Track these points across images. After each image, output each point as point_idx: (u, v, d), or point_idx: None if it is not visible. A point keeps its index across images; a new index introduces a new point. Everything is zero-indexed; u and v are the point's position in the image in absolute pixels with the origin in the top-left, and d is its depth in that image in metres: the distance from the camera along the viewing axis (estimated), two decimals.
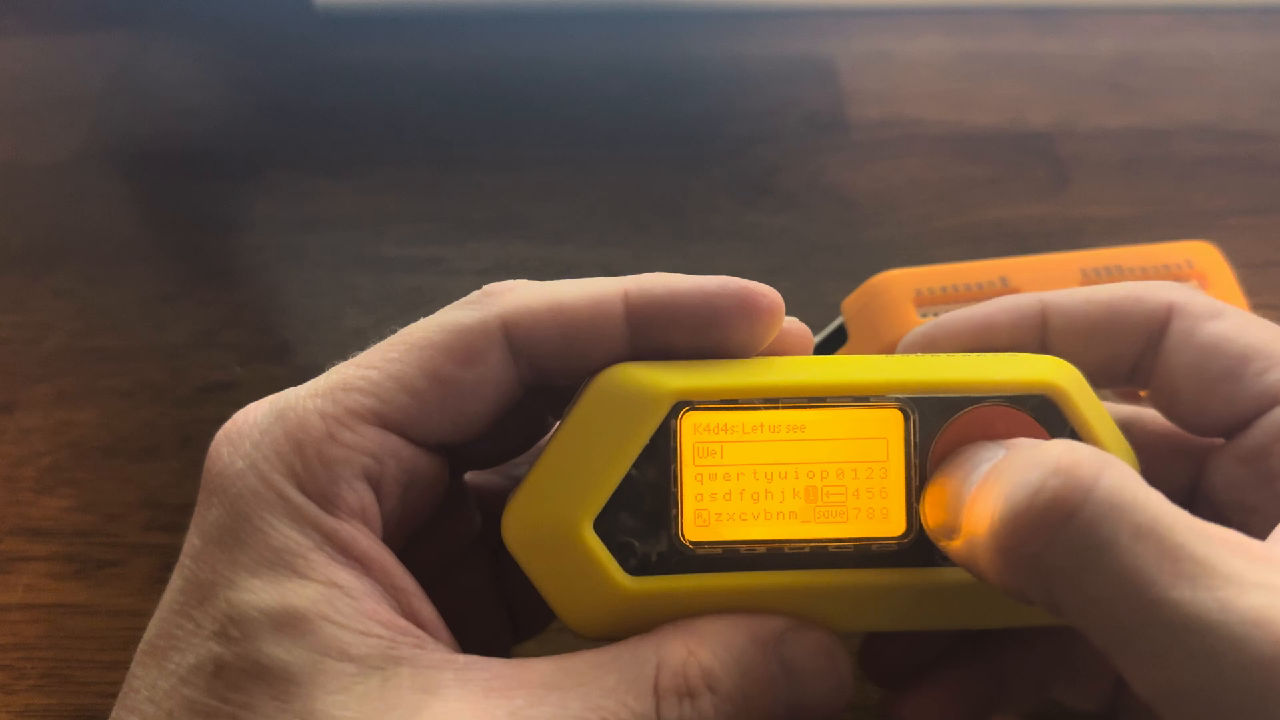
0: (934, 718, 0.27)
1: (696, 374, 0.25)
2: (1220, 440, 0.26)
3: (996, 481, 0.21)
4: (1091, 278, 0.37)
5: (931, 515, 0.24)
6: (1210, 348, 0.26)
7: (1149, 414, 0.28)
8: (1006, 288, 0.36)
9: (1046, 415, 0.25)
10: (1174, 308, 0.27)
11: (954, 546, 0.23)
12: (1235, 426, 0.26)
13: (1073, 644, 0.28)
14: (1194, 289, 0.27)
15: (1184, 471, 0.27)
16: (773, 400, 0.25)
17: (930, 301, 0.36)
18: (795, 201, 0.52)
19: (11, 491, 0.42)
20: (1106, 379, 0.27)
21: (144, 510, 0.42)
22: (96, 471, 0.43)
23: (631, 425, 0.24)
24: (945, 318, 0.28)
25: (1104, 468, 0.20)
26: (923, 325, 0.29)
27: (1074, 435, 0.25)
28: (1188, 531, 0.20)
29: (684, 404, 0.24)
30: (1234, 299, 0.36)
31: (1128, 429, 0.26)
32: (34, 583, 0.40)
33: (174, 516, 0.42)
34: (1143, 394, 0.28)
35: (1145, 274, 0.37)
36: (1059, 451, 0.20)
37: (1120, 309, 0.27)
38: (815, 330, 0.35)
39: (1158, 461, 0.27)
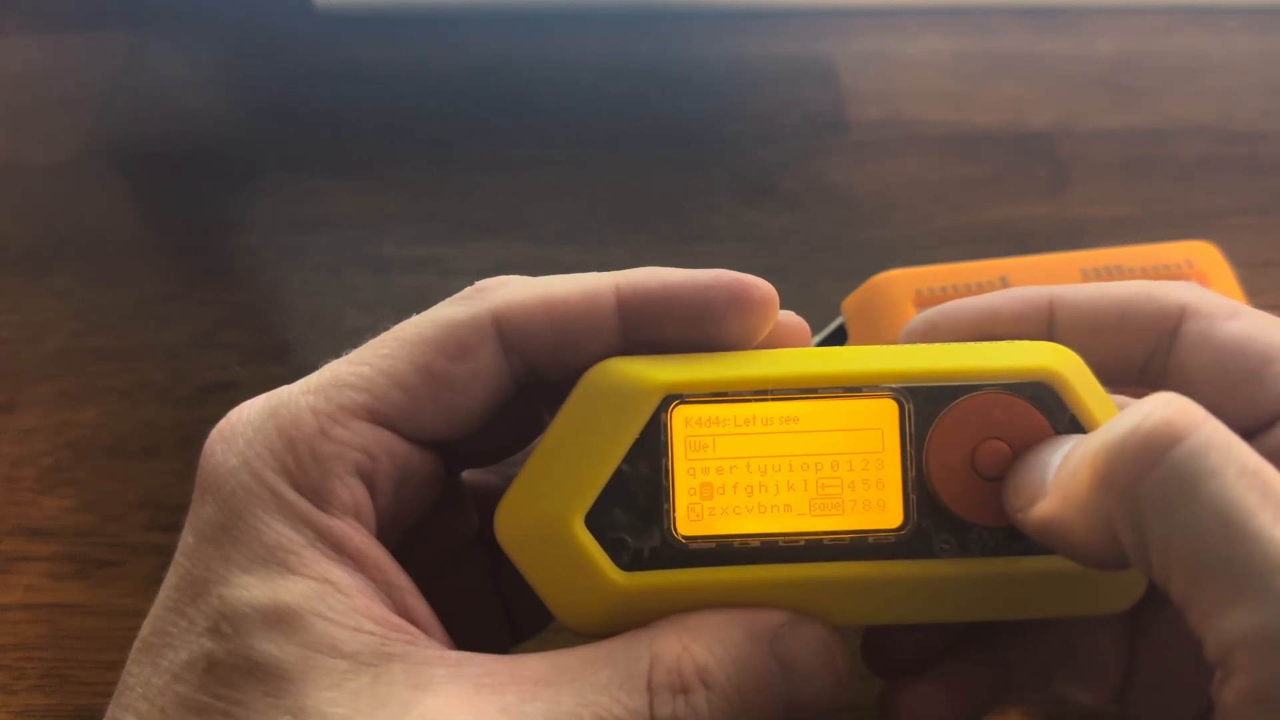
0: (935, 709, 0.27)
1: (686, 367, 0.25)
2: None
3: (1097, 434, 0.21)
4: (1091, 278, 0.37)
5: (1014, 489, 0.24)
6: (1229, 348, 0.25)
7: None
8: (1006, 288, 0.36)
9: (1046, 402, 0.25)
10: (1188, 308, 0.26)
11: (1036, 512, 0.23)
12: (1256, 428, 0.25)
13: (1077, 635, 0.28)
14: (1206, 290, 0.27)
15: None
16: (764, 392, 0.25)
17: (930, 301, 0.36)
18: (795, 201, 0.52)
19: (11, 491, 0.42)
20: (1115, 378, 0.27)
21: (144, 510, 0.42)
22: (96, 471, 0.43)
23: (621, 419, 0.24)
24: (949, 305, 0.28)
25: (1211, 416, 0.20)
26: (925, 312, 0.29)
27: (1074, 422, 0.25)
28: None
29: (674, 397, 0.24)
30: (1234, 299, 0.36)
31: None
32: (34, 583, 0.40)
33: (174, 516, 0.42)
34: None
35: (1145, 274, 0.37)
36: (1169, 395, 0.21)
37: (1132, 306, 0.27)
38: (815, 330, 0.35)
39: None
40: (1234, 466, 0.19)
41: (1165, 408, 0.20)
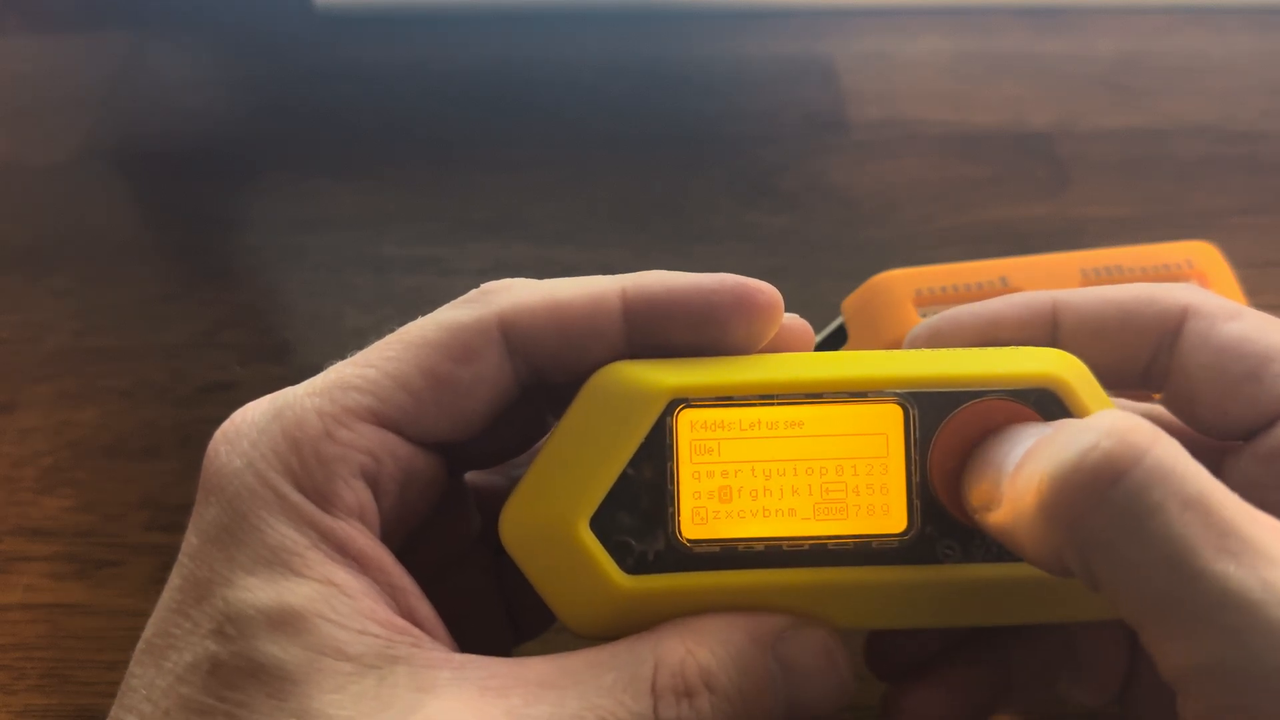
0: (937, 711, 0.27)
1: (692, 371, 0.25)
2: (1239, 442, 0.26)
3: (1047, 447, 0.21)
4: (1091, 278, 0.37)
5: (971, 489, 0.24)
6: (1230, 349, 0.25)
7: (1160, 411, 0.28)
8: (1006, 288, 0.36)
9: (1049, 408, 0.25)
10: (1189, 309, 0.26)
11: (993, 519, 0.23)
12: (1256, 428, 0.25)
13: (1079, 639, 0.28)
14: (1207, 291, 0.27)
15: None
16: (769, 396, 0.25)
17: (930, 301, 0.36)
18: (795, 201, 0.52)
19: (11, 491, 0.42)
20: (1119, 381, 0.27)
21: (144, 510, 0.42)
22: (96, 471, 0.43)
23: (626, 423, 0.24)
24: (952, 312, 0.28)
25: (1158, 436, 0.20)
26: (930, 319, 0.29)
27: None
28: (1236, 509, 0.19)
29: (679, 401, 0.24)
30: (1234, 299, 0.36)
31: None
32: (34, 583, 0.40)
33: (174, 516, 0.42)
34: (1156, 397, 0.28)
35: (1145, 274, 0.37)
36: (1114, 417, 0.20)
37: (1134, 309, 0.27)
38: (815, 331, 0.35)
39: None
40: (1176, 500, 0.19)
41: (1108, 439, 0.20)
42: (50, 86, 0.59)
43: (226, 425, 0.24)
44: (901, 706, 0.28)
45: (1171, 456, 0.20)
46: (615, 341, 0.25)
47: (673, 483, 0.24)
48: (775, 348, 0.26)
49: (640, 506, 0.24)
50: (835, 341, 0.39)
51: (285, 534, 0.23)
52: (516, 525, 0.25)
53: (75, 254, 0.51)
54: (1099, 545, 0.20)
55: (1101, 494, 0.20)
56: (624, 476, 0.24)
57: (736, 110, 0.57)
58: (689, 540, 0.25)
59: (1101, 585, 0.20)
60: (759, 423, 0.25)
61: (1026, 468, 0.21)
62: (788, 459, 0.25)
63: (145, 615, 0.24)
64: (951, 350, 0.26)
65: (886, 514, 0.25)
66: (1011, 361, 0.25)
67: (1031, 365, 0.25)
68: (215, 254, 0.51)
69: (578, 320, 0.25)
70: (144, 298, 0.49)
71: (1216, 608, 0.19)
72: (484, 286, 0.25)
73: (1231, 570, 0.19)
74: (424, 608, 0.24)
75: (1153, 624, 0.20)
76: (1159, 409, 0.28)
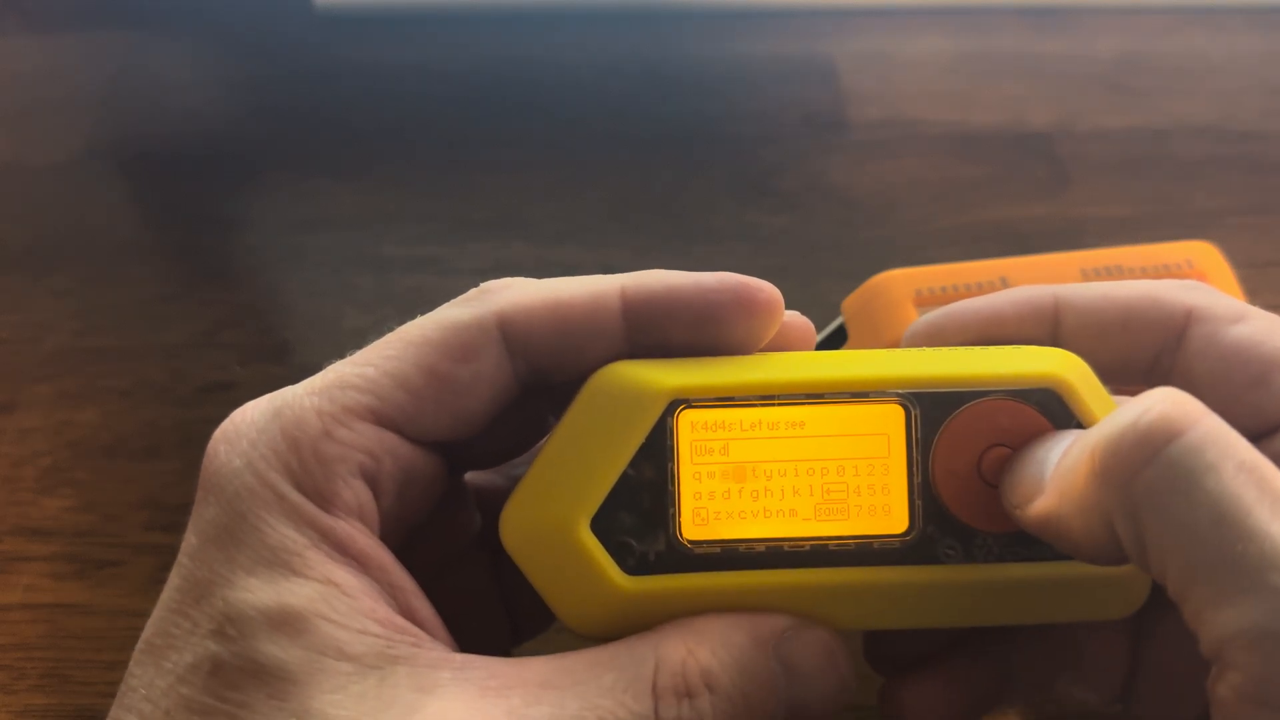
0: (937, 708, 0.27)
1: (693, 371, 0.25)
2: None
3: (1095, 429, 0.21)
4: (1091, 278, 0.37)
5: (1014, 487, 0.24)
6: (1235, 354, 0.25)
7: None
8: (1006, 288, 0.36)
9: (1051, 408, 0.25)
10: (1194, 312, 0.26)
11: (1035, 509, 0.23)
12: (1261, 433, 0.25)
13: (1081, 637, 0.28)
14: (1213, 291, 0.27)
15: None
16: (770, 397, 0.25)
17: (930, 301, 0.36)
18: (795, 201, 0.52)
19: (11, 491, 0.42)
20: (1121, 380, 0.27)
21: (144, 510, 0.42)
22: (96, 471, 0.43)
23: (627, 424, 0.24)
24: (953, 307, 0.28)
25: (1210, 411, 0.20)
26: (930, 314, 0.28)
27: (1081, 428, 0.25)
28: None
29: (680, 402, 0.24)
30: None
31: None
32: (34, 583, 0.40)
33: (174, 516, 0.42)
34: None
35: (1145, 274, 0.37)
36: (1168, 389, 0.21)
37: (1138, 309, 0.27)
38: (815, 331, 0.35)
39: None
40: (1231, 462, 0.19)
41: (1163, 403, 0.20)
42: (50, 86, 0.59)
43: (226, 425, 0.24)
44: (900, 701, 0.27)
45: (1225, 427, 0.20)
46: (615, 341, 0.25)
47: (673, 483, 0.24)
48: (777, 345, 0.26)
49: (641, 507, 0.24)
50: (835, 341, 0.39)
51: (285, 534, 0.23)
52: (517, 525, 0.25)
53: (75, 254, 0.51)
54: (1151, 504, 0.20)
55: (1155, 452, 0.20)
56: (624, 477, 0.24)
57: (736, 110, 0.57)
58: (690, 541, 0.25)
59: (1150, 548, 0.20)
60: (760, 423, 0.25)
61: (1075, 449, 0.22)
62: (789, 459, 0.25)
63: (145, 615, 0.24)
64: (953, 350, 0.26)
65: (888, 514, 0.25)
66: (1013, 361, 0.25)
67: (1034, 365, 0.25)
68: (215, 254, 0.51)
69: (578, 319, 0.25)
70: (144, 298, 0.49)
71: (1269, 568, 0.18)
72: (483, 286, 0.25)
73: None
74: (424, 607, 0.24)
75: (1200, 586, 0.19)
76: None
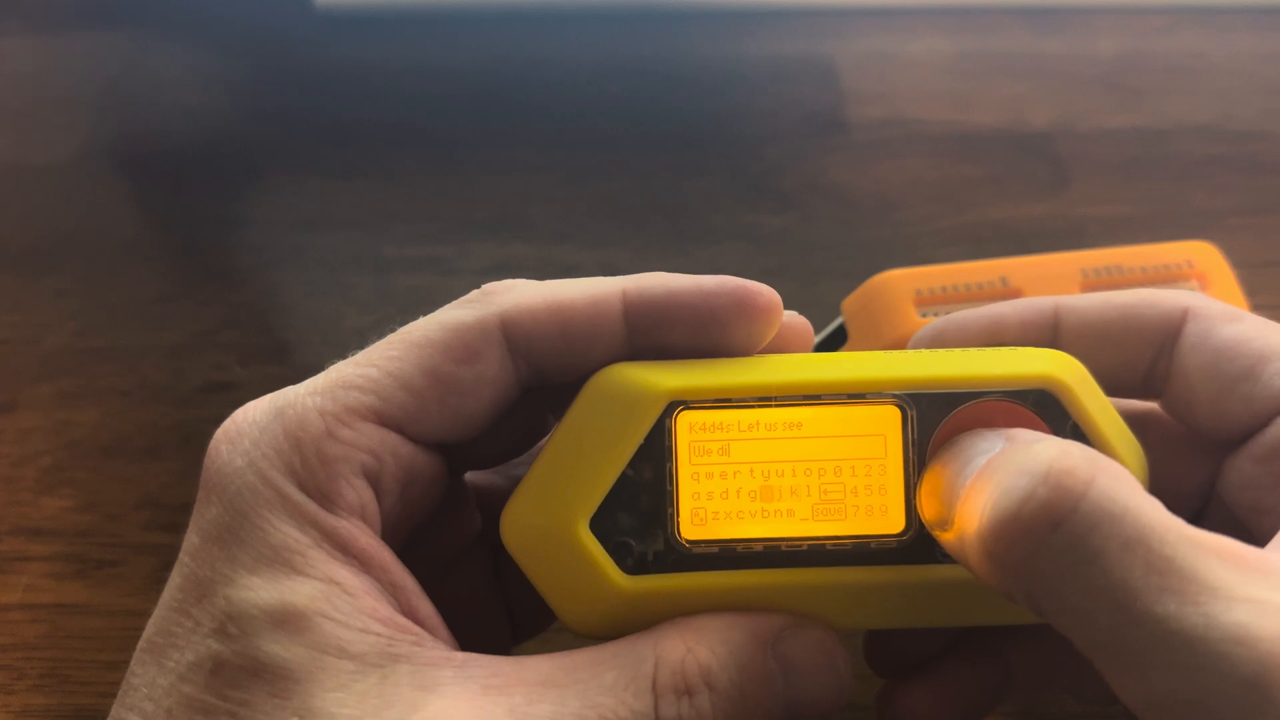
0: (936, 708, 0.27)
1: (691, 373, 0.25)
2: (1237, 443, 0.26)
3: (989, 480, 0.21)
4: (1091, 278, 0.37)
5: (927, 504, 0.24)
6: (1227, 349, 0.26)
7: (1160, 413, 0.28)
8: (1006, 288, 0.36)
9: (1047, 409, 0.25)
10: (1189, 312, 0.26)
11: (947, 538, 0.23)
12: (1253, 428, 0.25)
13: None
14: (1209, 297, 0.27)
15: (1199, 472, 0.27)
16: (768, 398, 0.25)
17: (930, 301, 0.36)
18: (795, 201, 0.52)
19: (11, 491, 0.42)
20: (1119, 386, 0.27)
21: (144, 510, 0.42)
22: (96, 471, 0.43)
23: (626, 425, 0.24)
24: (955, 315, 0.28)
25: (1096, 474, 0.20)
26: (933, 322, 0.29)
27: (1076, 430, 0.25)
28: (1179, 542, 0.19)
29: (678, 403, 0.25)
30: (1234, 299, 0.36)
31: (1142, 428, 0.26)
32: (34, 583, 0.40)
33: (174, 516, 0.42)
34: (1157, 403, 0.28)
35: (1145, 274, 0.37)
36: (1051, 455, 0.20)
37: (1134, 312, 0.27)
38: (815, 331, 0.35)
39: (1172, 462, 0.27)
40: (1115, 543, 0.19)
41: (1044, 486, 0.20)
42: (50, 86, 0.59)
43: (228, 424, 0.24)
44: (897, 703, 0.28)
45: (1110, 495, 0.20)
46: (616, 343, 0.25)
47: (672, 484, 0.25)
48: (776, 346, 0.26)
49: (640, 507, 0.25)
50: (835, 341, 0.39)
51: (287, 533, 0.23)
52: (517, 525, 0.25)
53: (75, 254, 0.51)
54: (1042, 590, 0.20)
55: (1041, 541, 0.20)
56: (624, 477, 0.24)
57: (736, 110, 0.57)
58: (688, 541, 0.25)
59: (1051, 622, 0.20)
60: (758, 424, 0.25)
61: (972, 498, 0.22)
62: (786, 460, 0.25)
63: (145, 615, 0.24)
64: (950, 351, 0.26)
65: (885, 515, 0.25)
66: (1010, 362, 0.25)
67: (1030, 366, 0.25)
68: (215, 254, 0.51)
69: (579, 321, 0.25)
70: (144, 298, 0.49)
71: (1162, 647, 0.19)
72: (485, 287, 0.26)
73: (1173, 609, 0.19)
74: (425, 606, 0.24)
75: (1103, 663, 0.20)
76: (1159, 410, 0.28)
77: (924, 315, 0.36)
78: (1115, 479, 0.20)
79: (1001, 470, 0.21)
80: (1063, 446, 0.21)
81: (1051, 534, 0.20)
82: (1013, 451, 0.22)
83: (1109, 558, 0.19)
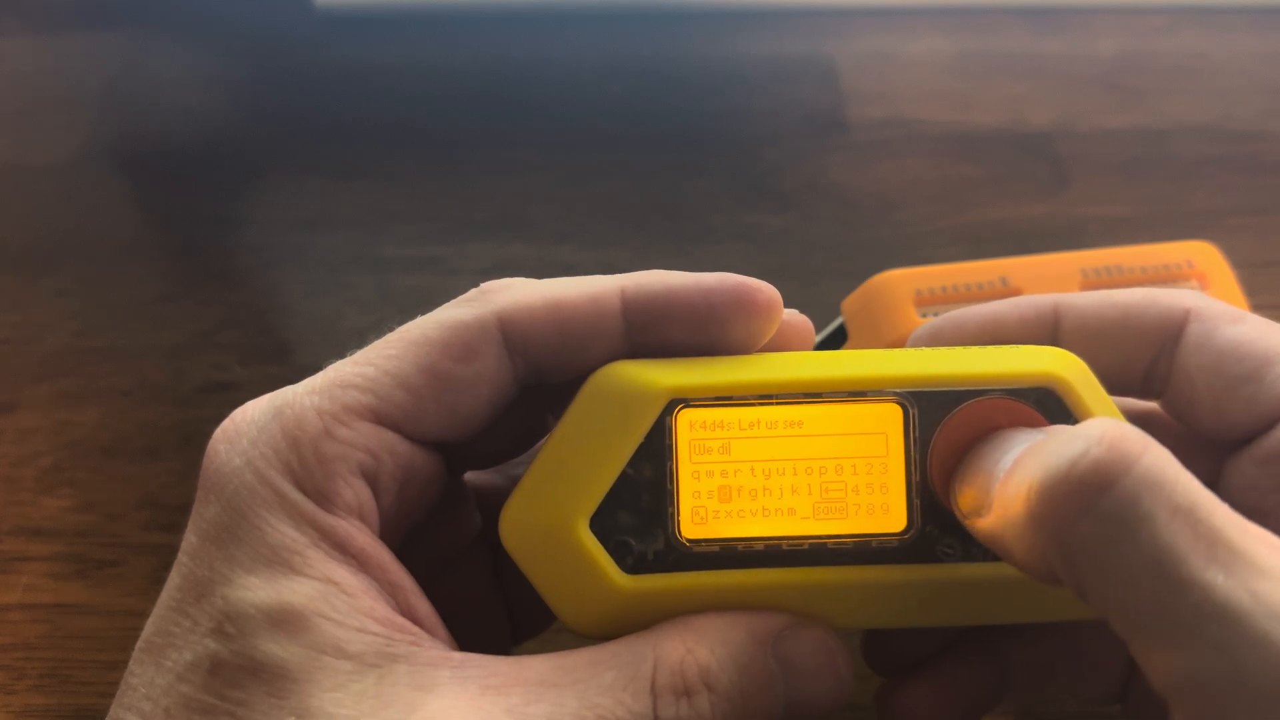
0: (935, 708, 0.27)
1: (691, 371, 0.25)
2: (1239, 445, 0.26)
3: (1037, 454, 0.21)
4: (1091, 278, 0.37)
5: (962, 493, 0.24)
6: (1230, 350, 0.25)
7: (1161, 414, 0.28)
8: (1006, 288, 0.36)
9: (1049, 407, 0.25)
10: (1191, 312, 0.26)
11: (982, 525, 0.23)
12: (1255, 430, 0.25)
13: (1080, 637, 0.28)
14: (1211, 297, 0.27)
15: (1199, 473, 0.27)
16: (768, 396, 0.25)
17: (930, 301, 0.36)
18: (795, 201, 0.52)
19: (11, 491, 0.42)
20: (1120, 385, 0.27)
21: (144, 510, 0.42)
22: (96, 471, 0.43)
23: (625, 423, 0.24)
24: (954, 314, 0.28)
25: (1149, 444, 0.20)
26: (932, 320, 0.29)
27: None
28: (1226, 519, 0.19)
29: (678, 401, 0.24)
30: (1234, 299, 0.36)
31: (1141, 429, 0.26)
32: (34, 583, 0.40)
33: (174, 516, 0.42)
34: (1157, 403, 0.28)
35: (1145, 274, 0.37)
36: (1105, 424, 0.20)
37: (1135, 311, 0.27)
38: (815, 330, 0.35)
39: None
40: (1165, 509, 0.19)
41: (1098, 447, 0.20)
42: (50, 86, 0.59)
43: (226, 424, 0.24)
44: (896, 703, 0.28)
45: (1162, 465, 0.20)
46: (615, 341, 0.25)
47: (672, 482, 0.25)
48: (776, 344, 0.26)
49: (640, 506, 0.24)
50: (835, 341, 0.39)
51: (285, 532, 0.23)
52: (516, 525, 0.25)
53: (75, 254, 0.51)
54: (1087, 555, 0.20)
55: (1090, 503, 0.19)
56: (624, 476, 0.24)
57: (736, 110, 0.57)
58: (688, 540, 0.25)
59: (1089, 595, 0.20)
60: (758, 422, 0.25)
61: (1016, 475, 0.21)
62: (787, 458, 0.25)
63: (145, 615, 0.24)
64: (951, 349, 0.26)
65: (886, 513, 0.25)
66: (1012, 360, 0.25)
67: (1032, 364, 0.25)
68: (215, 254, 0.51)
69: (578, 320, 0.25)
70: (144, 298, 0.49)
71: (1204, 618, 0.18)
72: (484, 286, 0.26)
73: (1220, 580, 0.18)
74: (423, 606, 0.24)
75: (1140, 634, 0.19)
76: (1159, 411, 0.28)
77: (924, 315, 0.36)
78: (1164, 452, 0.20)
79: (1053, 442, 0.21)
80: (1115, 420, 0.21)
81: (1102, 496, 0.19)
82: (1061, 430, 0.21)
83: (1158, 522, 0.19)
